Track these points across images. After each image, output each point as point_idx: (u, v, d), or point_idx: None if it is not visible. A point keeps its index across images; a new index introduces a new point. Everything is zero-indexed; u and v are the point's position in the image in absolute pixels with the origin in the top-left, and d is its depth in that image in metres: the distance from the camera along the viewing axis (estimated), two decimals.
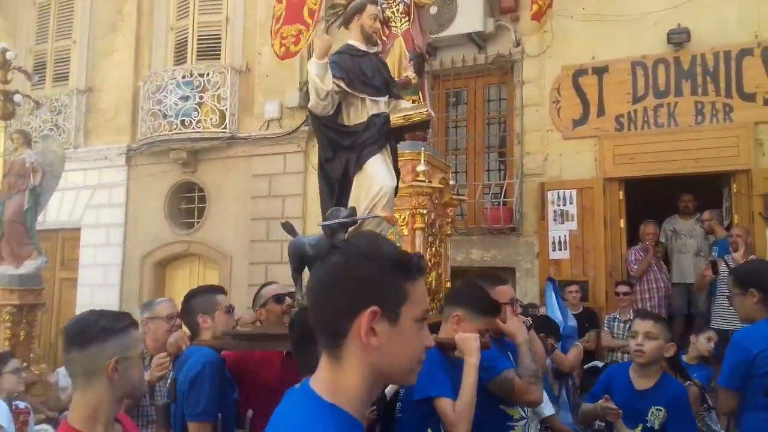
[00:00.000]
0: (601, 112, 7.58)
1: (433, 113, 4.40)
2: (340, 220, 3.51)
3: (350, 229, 3.76)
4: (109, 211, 10.22)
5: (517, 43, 8.07)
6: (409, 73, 5.01)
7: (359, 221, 3.74)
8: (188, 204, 10.06)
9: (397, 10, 5.17)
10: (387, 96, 4.22)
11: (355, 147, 4.01)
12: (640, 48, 7.42)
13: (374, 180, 3.94)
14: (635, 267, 6.95)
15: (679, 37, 7.15)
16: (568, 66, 7.74)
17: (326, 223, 3.53)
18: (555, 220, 7.60)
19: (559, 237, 7.54)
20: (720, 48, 7.08)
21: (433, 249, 5.00)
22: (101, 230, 10.25)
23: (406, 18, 5.73)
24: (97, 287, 10.07)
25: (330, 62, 4.05)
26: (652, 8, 7.26)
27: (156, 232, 9.86)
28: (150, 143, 9.75)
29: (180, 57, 10.04)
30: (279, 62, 8.64)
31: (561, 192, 7.61)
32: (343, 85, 3.98)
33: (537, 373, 2.97)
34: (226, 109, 9.46)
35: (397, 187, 4.22)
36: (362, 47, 4.17)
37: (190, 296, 3.43)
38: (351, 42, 4.22)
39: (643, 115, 7.39)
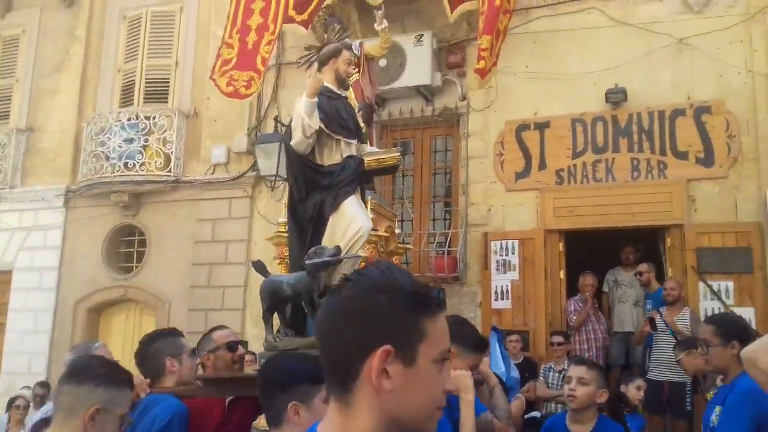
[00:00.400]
0: (542, 165, 7.81)
1: (401, 158, 4.56)
2: (326, 259, 3.47)
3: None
4: (43, 254, 9.86)
5: (463, 98, 8.30)
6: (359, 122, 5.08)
7: (342, 261, 3.73)
8: (127, 248, 9.80)
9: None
10: (356, 139, 4.32)
11: (332, 187, 4.03)
12: (579, 106, 7.72)
13: (353, 220, 3.96)
14: (574, 317, 7.08)
15: (616, 97, 7.48)
16: (512, 121, 7.98)
17: (311, 261, 3.49)
18: (498, 270, 7.71)
19: (502, 287, 7.64)
20: (655, 108, 7.44)
21: None
22: (34, 273, 9.85)
23: (357, 70, 5.89)
24: (26, 333, 9.62)
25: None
26: (591, 68, 7.60)
27: (92, 277, 9.55)
28: (90, 185, 9.53)
29: (126, 99, 9.94)
30: (228, 107, 8.66)
31: (504, 242, 7.74)
32: (322, 125, 4.04)
33: (510, 414, 3.02)
34: (172, 152, 9.36)
35: None
36: (336, 90, 4.26)
37: (151, 340, 3.13)
38: (326, 84, 4.26)
39: (583, 169, 7.65)
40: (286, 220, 6.01)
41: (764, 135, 6.99)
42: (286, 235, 5.98)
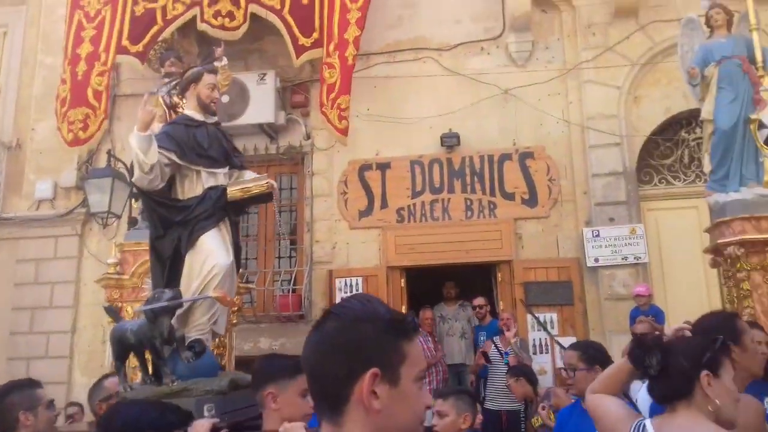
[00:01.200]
0: (384, 204, 8.07)
1: (275, 185, 4.13)
2: (163, 304, 3.28)
3: (178, 312, 3.54)
4: None
5: (308, 137, 8.41)
6: None
7: (187, 303, 3.51)
8: None
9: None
10: (227, 167, 4.05)
11: (188, 222, 3.79)
12: (418, 148, 8.10)
13: (208, 257, 3.73)
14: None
15: (450, 141, 7.93)
16: (355, 161, 8.19)
17: (148, 307, 3.28)
18: None
19: None
20: (485, 152, 7.98)
21: (216, 340, 4.82)
22: None
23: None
24: None
25: (161, 133, 3.88)
26: (427, 114, 8.02)
27: None
28: None
29: None
30: (55, 138, 8.09)
31: (348, 279, 7.85)
32: (174, 157, 3.79)
33: None
34: None
35: (238, 264, 4.05)
36: (198, 117, 4.01)
37: (5, 392, 2.87)
38: (187, 112, 4.07)
39: (422, 208, 8.00)
40: (115, 260, 5.84)
41: (580, 179, 7.73)
42: (115, 276, 5.75)
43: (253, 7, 7.63)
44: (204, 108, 4.02)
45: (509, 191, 7.86)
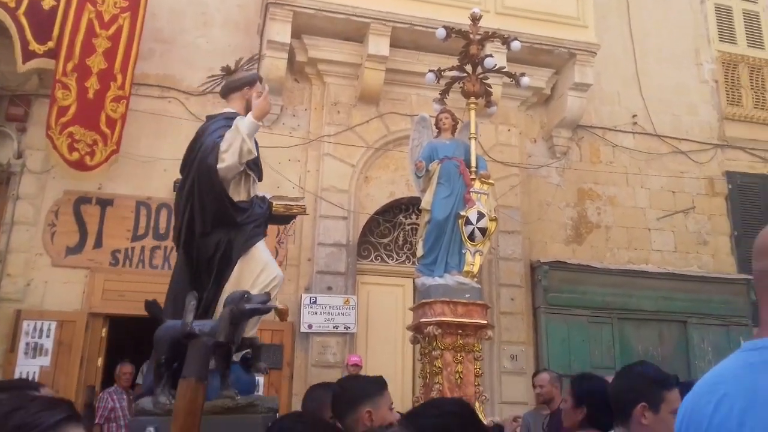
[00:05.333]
0: (98, 243, 7.38)
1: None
2: (257, 306, 2.86)
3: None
4: None
5: (19, 155, 7.43)
6: None
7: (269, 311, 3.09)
8: None
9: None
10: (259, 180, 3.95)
11: (243, 226, 3.57)
12: (147, 189, 7.63)
13: (267, 267, 3.56)
14: (100, 413, 6.49)
15: None
16: (72, 191, 7.41)
17: (245, 307, 2.82)
18: (27, 353, 6.81)
19: (28, 373, 6.74)
20: None
21: None
22: None
23: None
24: None
25: (226, 127, 3.63)
26: (164, 156, 7.64)
27: None
28: None
29: None
30: None
31: (39, 323, 6.93)
32: (254, 156, 3.69)
33: None
34: None
35: None
36: None
37: None
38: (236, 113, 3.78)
39: (140, 253, 7.48)
40: None
41: (306, 245, 7.93)
42: None
43: None
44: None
45: None
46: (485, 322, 5.57)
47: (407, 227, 8.51)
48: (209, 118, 3.94)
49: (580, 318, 8.47)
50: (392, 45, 7.99)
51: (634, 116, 9.52)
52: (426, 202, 5.75)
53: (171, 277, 3.80)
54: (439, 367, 5.34)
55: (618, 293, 8.61)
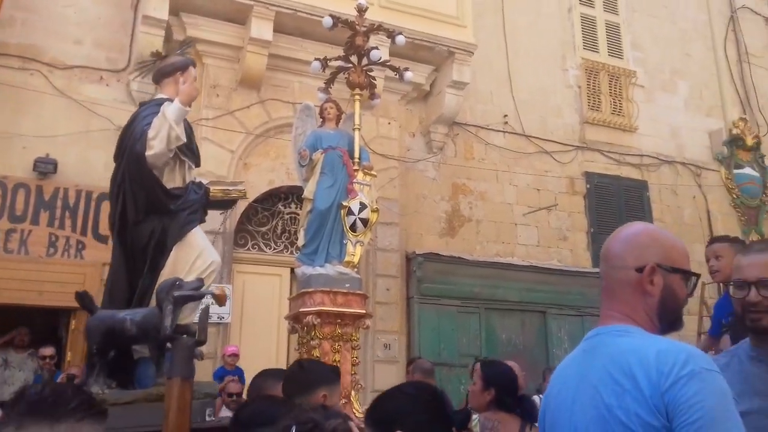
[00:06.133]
0: None
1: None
2: (189, 293, 2.87)
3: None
4: None
5: None
6: None
7: (206, 297, 3.09)
8: None
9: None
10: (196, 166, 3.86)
11: (177, 213, 3.51)
12: (2, 168, 7.02)
13: (203, 253, 3.55)
14: None
15: (45, 167, 7.10)
16: None
17: (178, 294, 2.83)
18: None
19: None
20: (84, 187, 7.33)
21: None
22: None
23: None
24: None
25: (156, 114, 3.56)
26: (23, 132, 7.07)
27: None
28: None
29: None
30: None
31: None
32: (183, 142, 3.62)
33: None
34: None
35: None
36: None
37: None
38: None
39: None
40: None
41: None
42: None
43: None
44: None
45: (103, 233, 7.32)
46: (364, 311, 5.66)
47: (286, 216, 8.44)
48: (142, 104, 3.92)
49: (450, 308, 8.81)
50: (276, 30, 7.86)
51: (505, 116, 10.00)
52: (309, 191, 5.74)
53: (110, 266, 3.77)
54: (317, 357, 5.36)
55: (486, 284, 9.03)
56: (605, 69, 10.92)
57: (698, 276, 1.64)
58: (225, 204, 4.23)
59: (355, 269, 5.77)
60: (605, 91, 10.81)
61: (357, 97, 5.95)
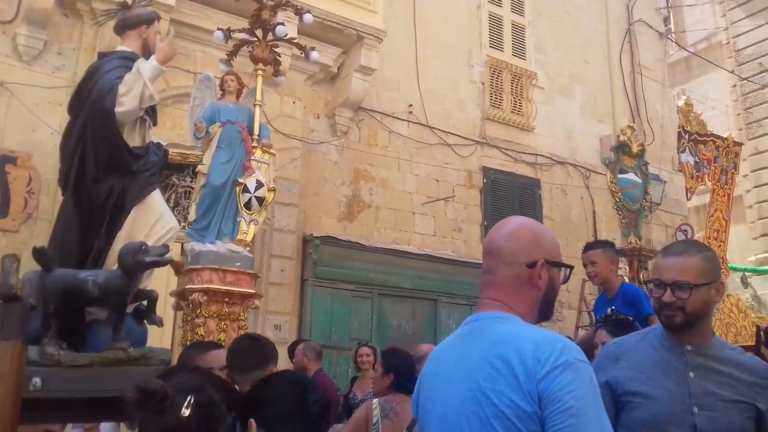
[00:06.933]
0: None
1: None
2: (156, 259, 2.78)
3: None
4: None
5: None
6: None
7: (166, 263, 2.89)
8: None
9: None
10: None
11: (138, 174, 3.40)
12: None
13: (162, 217, 3.48)
14: None
15: None
16: None
17: (141, 259, 2.71)
18: None
19: None
20: None
21: None
22: None
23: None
24: None
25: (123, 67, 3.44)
26: None
27: None
28: None
29: None
30: None
31: None
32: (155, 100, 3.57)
33: None
34: None
35: None
36: None
37: None
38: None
39: None
40: None
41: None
42: None
43: None
44: (146, 55, 3.58)
45: None
46: (253, 291, 5.56)
47: (180, 190, 8.14)
48: (102, 55, 3.67)
49: (344, 292, 8.84)
50: None
51: (410, 106, 10.10)
52: (203, 165, 5.54)
53: (55, 223, 3.50)
54: (202, 335, 5.22)
55: (380, 270, 9.13)
56: (509, 68, 11.24)
57: (572, 267, 1.76)
58: (180, 168, 4.28)
59: (248, 248, 5.65)
60: (507, 90, 11.14)
61: (260, 72, 5.80)
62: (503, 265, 1.69)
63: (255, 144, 5.56)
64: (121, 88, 3.38)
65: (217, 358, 3.19)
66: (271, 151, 5.81)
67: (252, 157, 5.49)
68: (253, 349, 2.78)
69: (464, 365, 1.58)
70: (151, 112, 3.73)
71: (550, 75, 11.88)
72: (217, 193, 5.47)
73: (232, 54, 5.96)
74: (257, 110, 5.68)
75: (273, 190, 5.72)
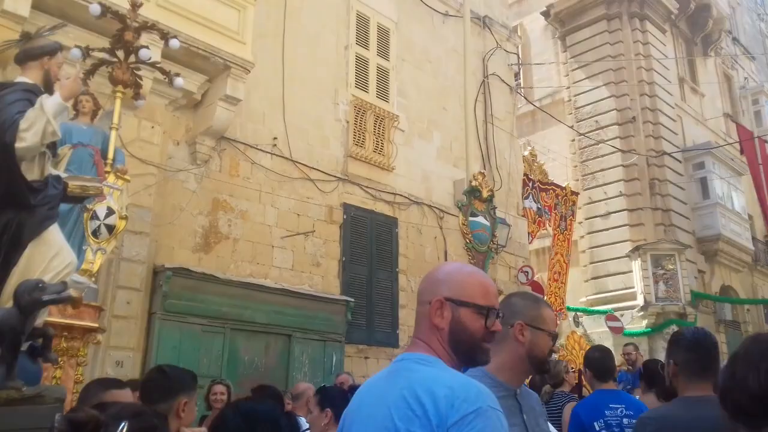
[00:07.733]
0: None
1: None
2: (53, 297, 2.71)
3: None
4: None
5: None
6: None
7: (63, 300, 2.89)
8: None
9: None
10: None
11: (36, 209, 3.29)
12: None
13: (60, 252, 3.41)
14: None
15: None
16: None
17: (39, 298, 2.63)
18: None
19: None
20: None
21: None
22: None
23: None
24: None
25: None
26: None
27: None
28: None
29: None
30: None
31: None
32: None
33: None
34: None
35: None
36: None
37: None
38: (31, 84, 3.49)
39: None
40: None
41: None
42: None
43: None
44: (48, 87, 3.55)
45: None
46: (96, 325, 5.22)
47: None
48: (1, 86, 3.49)
49: (194, 326, 8.51)
50: (35, 7, 7.04)
51: (275, 139, 10.07)
52: None
53: None
54: None
55: (235, 304, 8.90)
56: (372, 109, 11.57)
57: (492, 309, 1.71)
58: (79, 200, 4.10)
59: (93, 279, 5.32)
60: (370, 130, 11.44)
61: (119, 94, 5.56)
62: (418, 303, 1.77)
63: (108, 169, 5.28)
64: (23, 124, 3.31)
65: (120, 397, 3.10)
66: (126, 176, 5.54)
67: (104, 183, 5.20)
68: (159, 381, 2.74)
69: (383, 404, 1.60)
70: (52, 145, 3.66)
71: (410, 118, 12.36)
72: (62, 219, 5.10)
73: (90, 73, 5.66)
74: (113, 133, 5.42)
75: (125, 218, 5.46)
